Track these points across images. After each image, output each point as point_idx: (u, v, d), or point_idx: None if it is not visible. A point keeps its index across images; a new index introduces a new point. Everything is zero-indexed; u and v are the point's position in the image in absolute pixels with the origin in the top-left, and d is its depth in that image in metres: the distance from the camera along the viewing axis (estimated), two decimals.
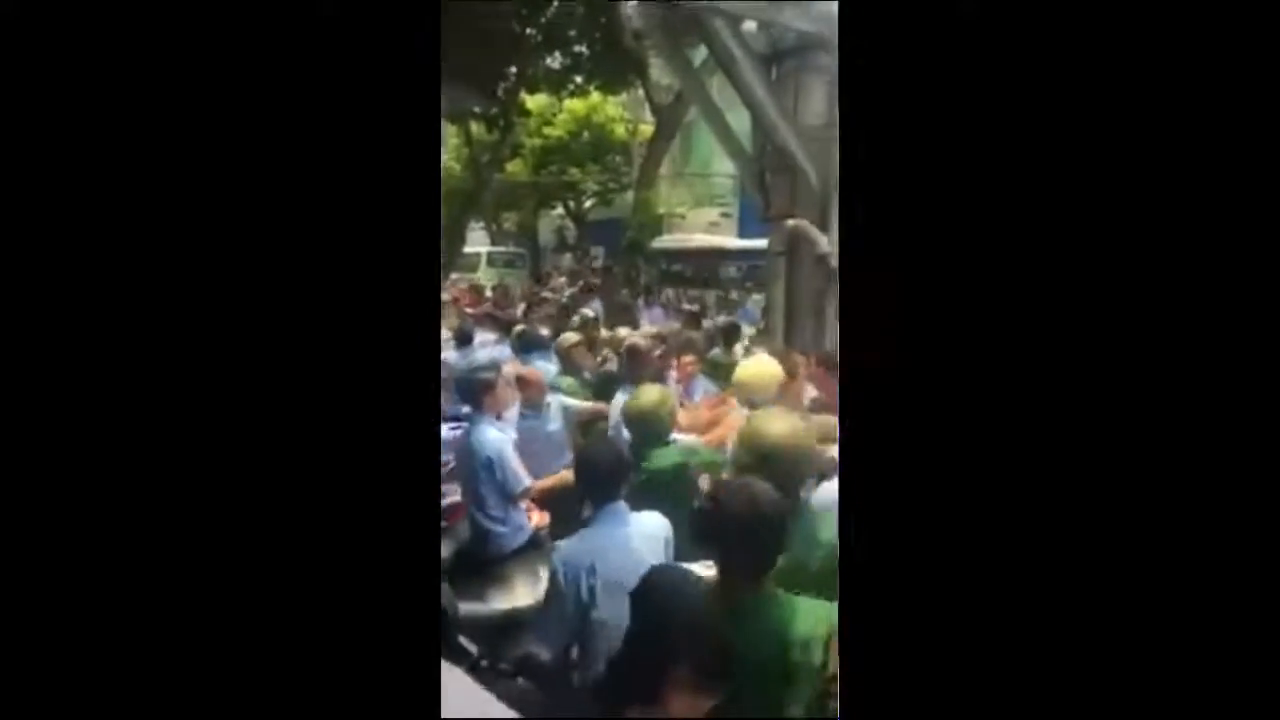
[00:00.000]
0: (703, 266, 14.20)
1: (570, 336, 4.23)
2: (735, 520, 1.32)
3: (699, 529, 1.40)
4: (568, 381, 3.83)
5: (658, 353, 3.54)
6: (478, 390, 2.95)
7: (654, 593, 1.16)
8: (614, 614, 1.72)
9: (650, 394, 2.46)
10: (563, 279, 15.44)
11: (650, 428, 2.40)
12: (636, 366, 3.41)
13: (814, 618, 1.32)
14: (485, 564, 2.63)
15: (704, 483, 2.11)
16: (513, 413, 3.26)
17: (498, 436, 2.86)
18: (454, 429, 3.37)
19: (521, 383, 3.34)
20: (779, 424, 1.74)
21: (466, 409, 3.03)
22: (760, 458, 1.68)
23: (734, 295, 11.04)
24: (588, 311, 6.37)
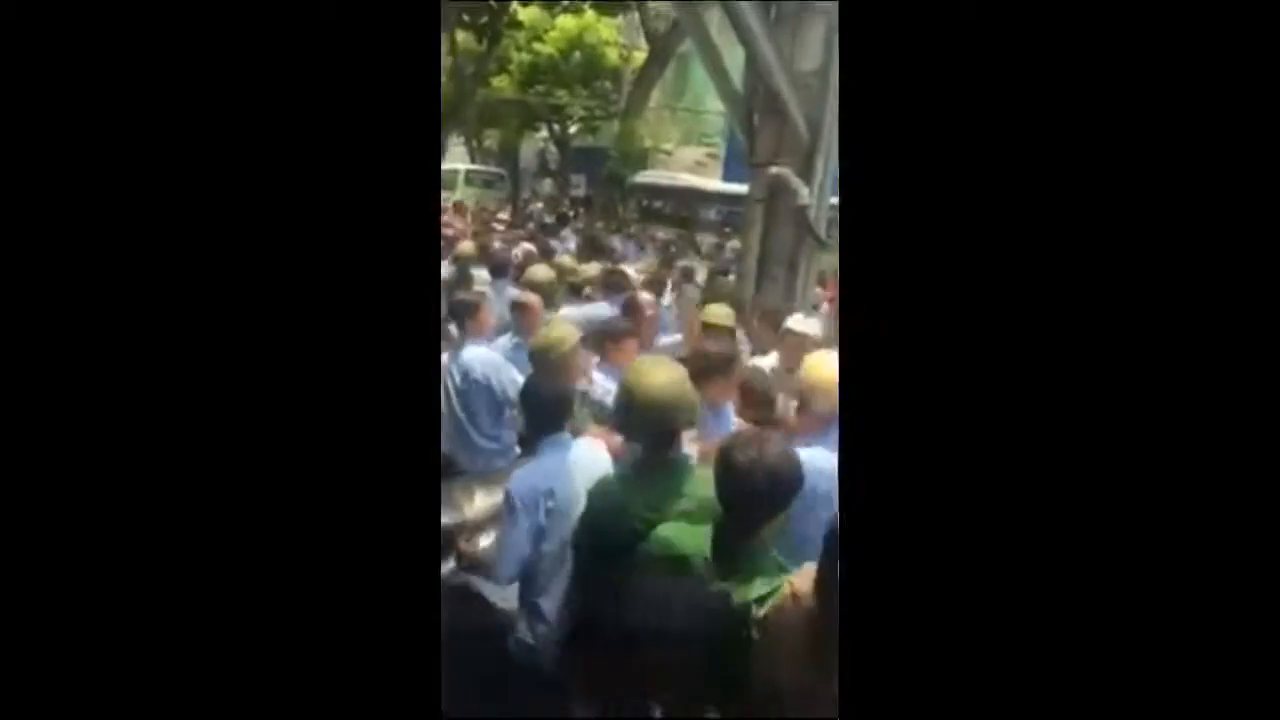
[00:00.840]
0: (682, 206, 14.03)
1: (540, 270, 3.95)
2: (742, 472, 1.35)
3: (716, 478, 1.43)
4: None
5: (650, 312, 3.27)
6: (462, 312, 2.94)
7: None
8: (560, 544, 1.77)
9: (555, 330, 2.46)
10: (539, 204, 15.15)
11: (545, 364, 2.39)
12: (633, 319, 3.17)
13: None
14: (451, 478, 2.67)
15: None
16: (504, 339, 3.18)
17: (487, 354, 2.88)
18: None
19: (518, 309, 3.25)
20: (660, 373, 1.72)
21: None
22: (637, 405, 1.67)
23: (698, 238, 10.98)
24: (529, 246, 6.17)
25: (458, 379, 2.87)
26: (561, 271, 4.41)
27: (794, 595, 1.24)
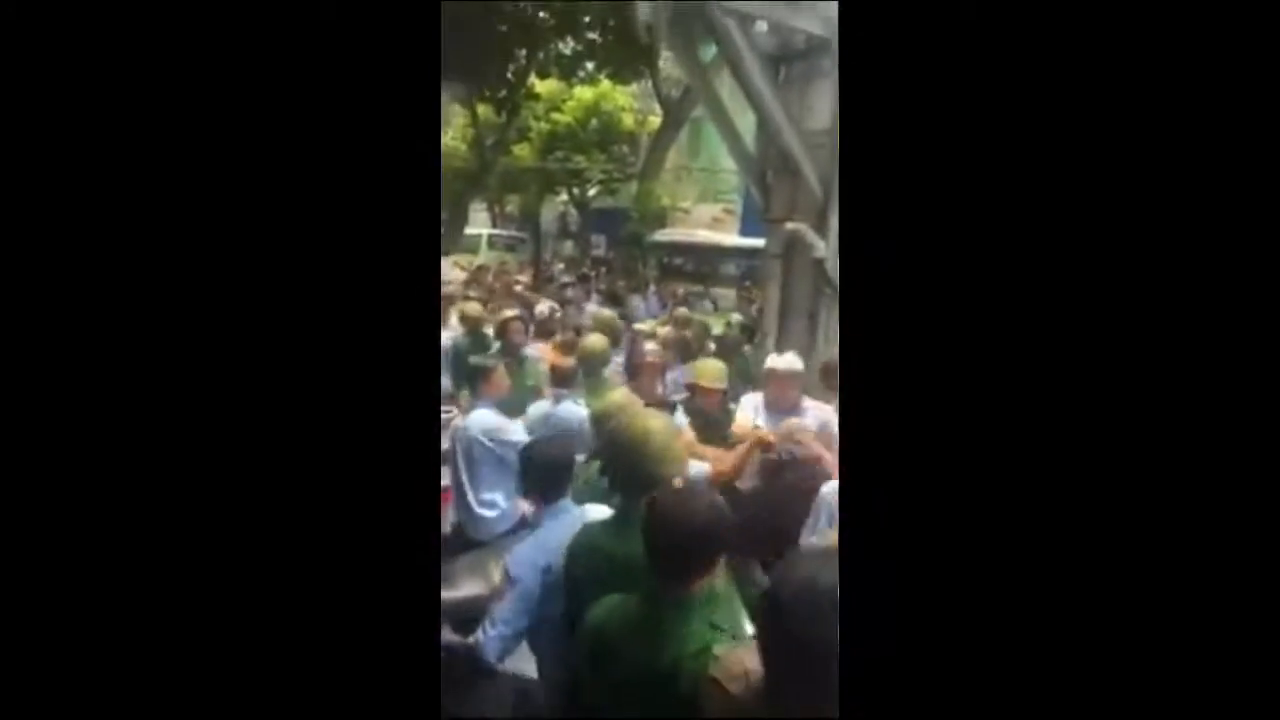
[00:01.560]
0: (702, 262, 14.20)
1: (596, 340, 3.79)
2: (671, 525, 1.32)
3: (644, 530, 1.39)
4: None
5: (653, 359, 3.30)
6: (475, 376, 2.98)
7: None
8: (559, 617, 1.70)
9: (618, 396, 2.42)
10: (560, 265, 15.43)
11: (605, 432, 2.33)
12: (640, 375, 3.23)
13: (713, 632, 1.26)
14: (461, 549, 2.65)
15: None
16: (568, 403, 3.19)
17: (487, 415, 2.88)
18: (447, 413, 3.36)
19: (554, 370, 3.29)
20: (647, 421, 1.68)
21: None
22: (620, 451, 1.63)
23: (713, 291, 11.04)
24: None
25: (462, 443, 2.85)
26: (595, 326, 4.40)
27: (714, 684, 1.14)
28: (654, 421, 1.71)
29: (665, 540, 1.32)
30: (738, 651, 1.17)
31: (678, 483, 1.61)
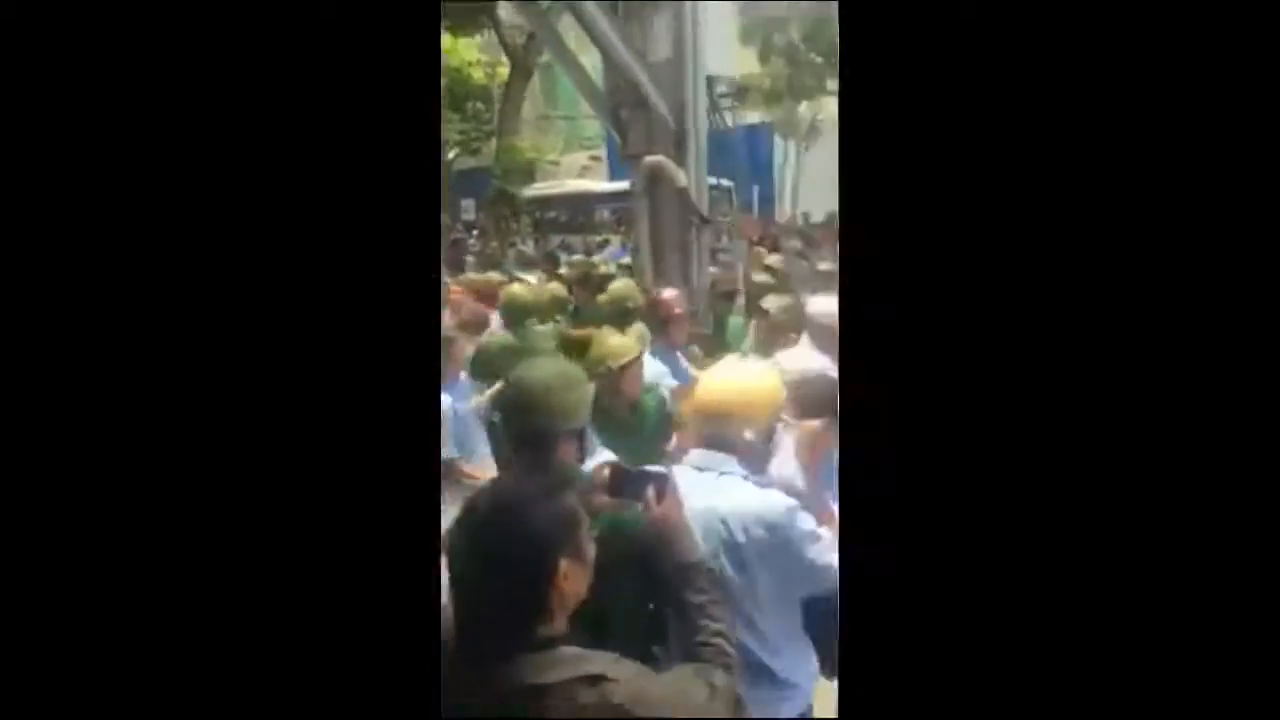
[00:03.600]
0: (576, 211, 14.13)
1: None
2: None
3: None
4: None
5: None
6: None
7: None
8: None
9: (611, 340, 2.30)
10: None
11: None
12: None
13: None
14: None
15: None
16: None
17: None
18: None
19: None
20: (546, 367, 1.51)
21: None
22: (512, 405, 1.45)
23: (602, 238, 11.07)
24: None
25: None
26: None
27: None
28: (552, 366, 1.51)
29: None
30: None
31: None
